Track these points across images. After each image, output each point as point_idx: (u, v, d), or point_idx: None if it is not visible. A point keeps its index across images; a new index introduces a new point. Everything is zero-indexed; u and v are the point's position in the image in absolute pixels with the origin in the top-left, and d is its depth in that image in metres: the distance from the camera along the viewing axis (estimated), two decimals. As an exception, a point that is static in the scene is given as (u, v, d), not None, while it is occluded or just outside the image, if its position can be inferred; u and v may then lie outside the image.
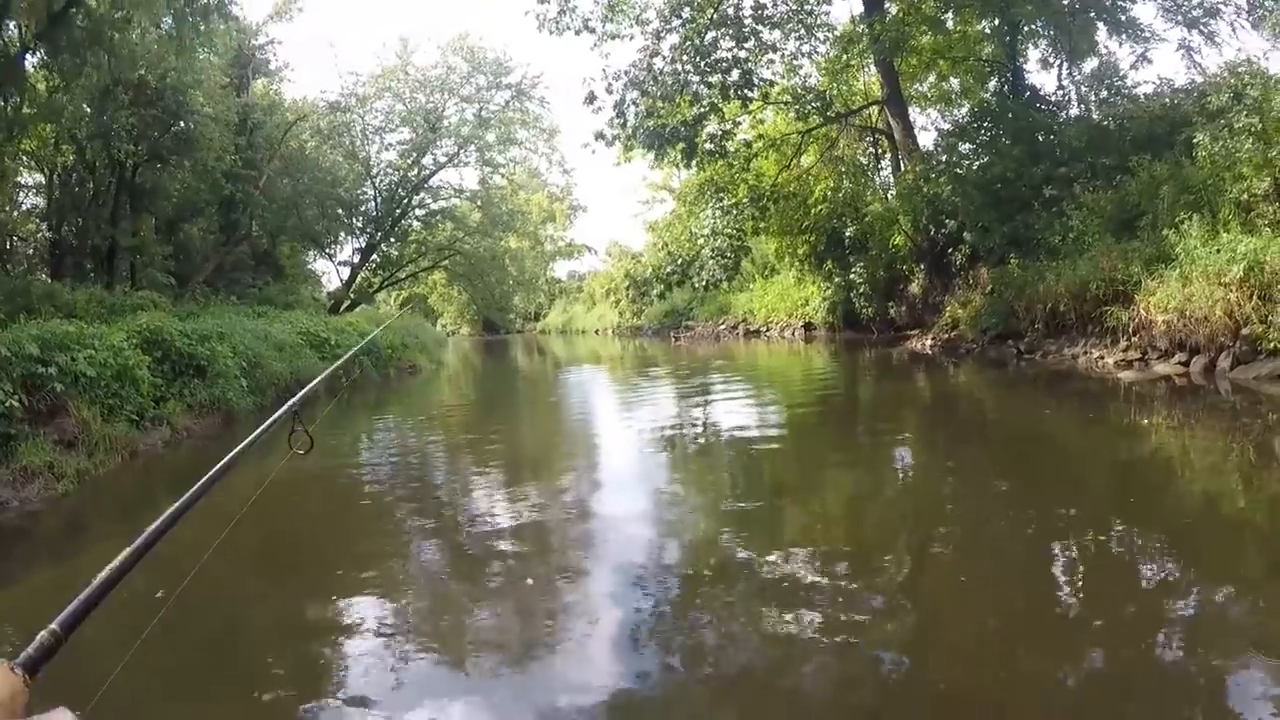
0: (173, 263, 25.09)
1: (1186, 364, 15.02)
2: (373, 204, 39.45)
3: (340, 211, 37.40)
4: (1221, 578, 5.73)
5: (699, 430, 13.28)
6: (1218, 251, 14.77)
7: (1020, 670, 4.52)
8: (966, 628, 5.11)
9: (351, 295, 39.76)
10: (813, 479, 9.60)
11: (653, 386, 21.08)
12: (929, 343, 24.23)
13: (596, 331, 67.11)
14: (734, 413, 15.16)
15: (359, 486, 9.86)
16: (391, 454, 12.51)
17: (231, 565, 6.18)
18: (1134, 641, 4.78)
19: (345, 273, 41.03)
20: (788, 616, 5.14)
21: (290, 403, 3.01)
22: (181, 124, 22.56)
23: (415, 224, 42.72)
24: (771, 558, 6.26)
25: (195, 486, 2.06)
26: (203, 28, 18.77)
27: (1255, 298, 13.85)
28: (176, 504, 1.95)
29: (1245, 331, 13.89)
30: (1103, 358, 17.00)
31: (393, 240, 41.27)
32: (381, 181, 39.78)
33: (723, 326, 43.72)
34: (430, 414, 17.81)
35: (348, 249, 41.51)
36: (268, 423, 2.84)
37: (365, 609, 5.56)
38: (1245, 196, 15.87)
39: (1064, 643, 4.71)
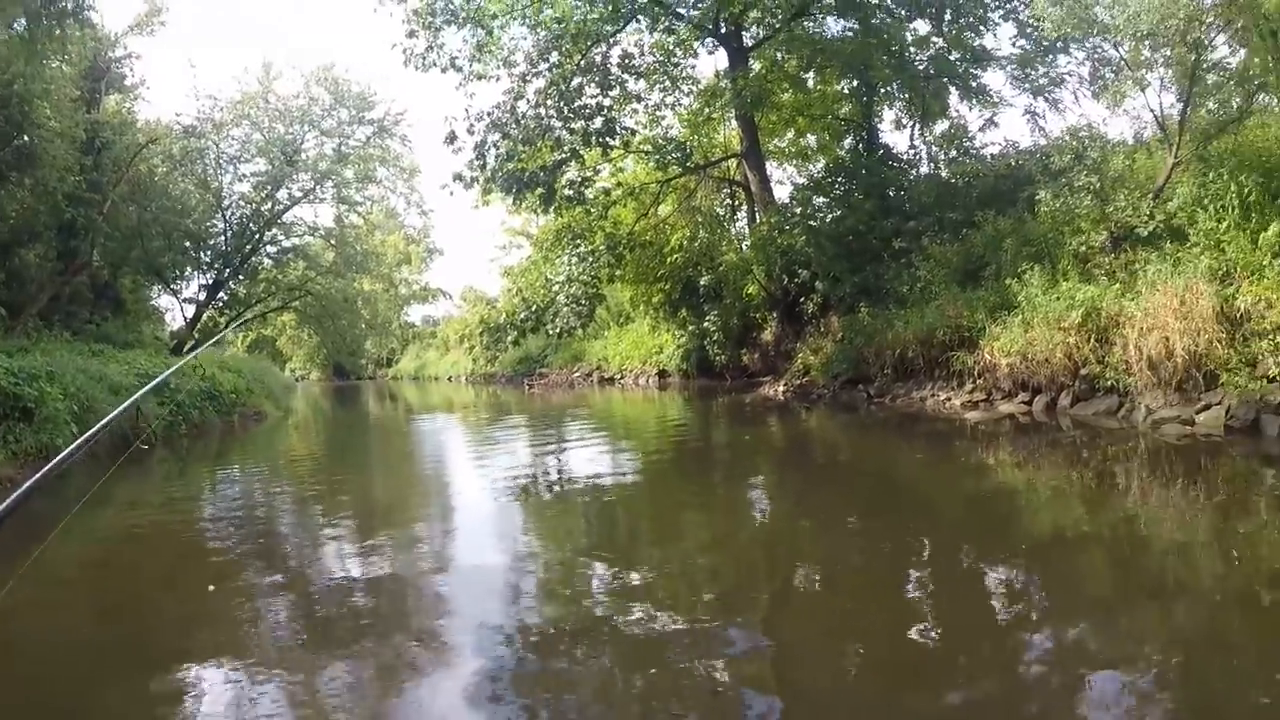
0: (4, 291, 22.99)
1: (1029, 403, 15.73)
2: (222, 238, 37.50)
3: (188, 244, 35.26)
4: (1069, 599, 6.02)
5: (554, 479, 13.04)
6: (1058, 299, 15.54)
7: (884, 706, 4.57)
8: (829, 667, 5.15)
9: (196, 335, 37.40)
10: (670, 525, 9.50)
11: (507, 435, 20.76)
12: (781, 389, 24.63)
13: (450, 378, 66.18)
14: (590, 460, 15.01)
15: (200, 542, 9.13)
16: (235, 507, 11.64)
17: (58, 629, 5.77)
18: (990, 664, 5.01)
19: (190, 310, 38.64)
20: (650, 668, 5.07)
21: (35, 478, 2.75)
22: (25, 138, 20.80)
23: (266, 261, 40.60)
24: (631, 606, 6.16)
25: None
26: (58, 32, 17.56)
27: (1093, 340, 14.69)
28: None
29: (1084, 371, 14.70)
30: (950, 399, 17.55)
31: (241, 278, 39.23)
32: (233, 214, 37.84)
33: (577, 374, 43.60)
34: (277, 464, 16.95)
35: (194, 285, 39.18)
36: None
37: (201, 676, 5.12)
38: (1083, 249, 16.74)
39: (925, 675, 4.84)
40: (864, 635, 5.58)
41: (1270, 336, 11.99)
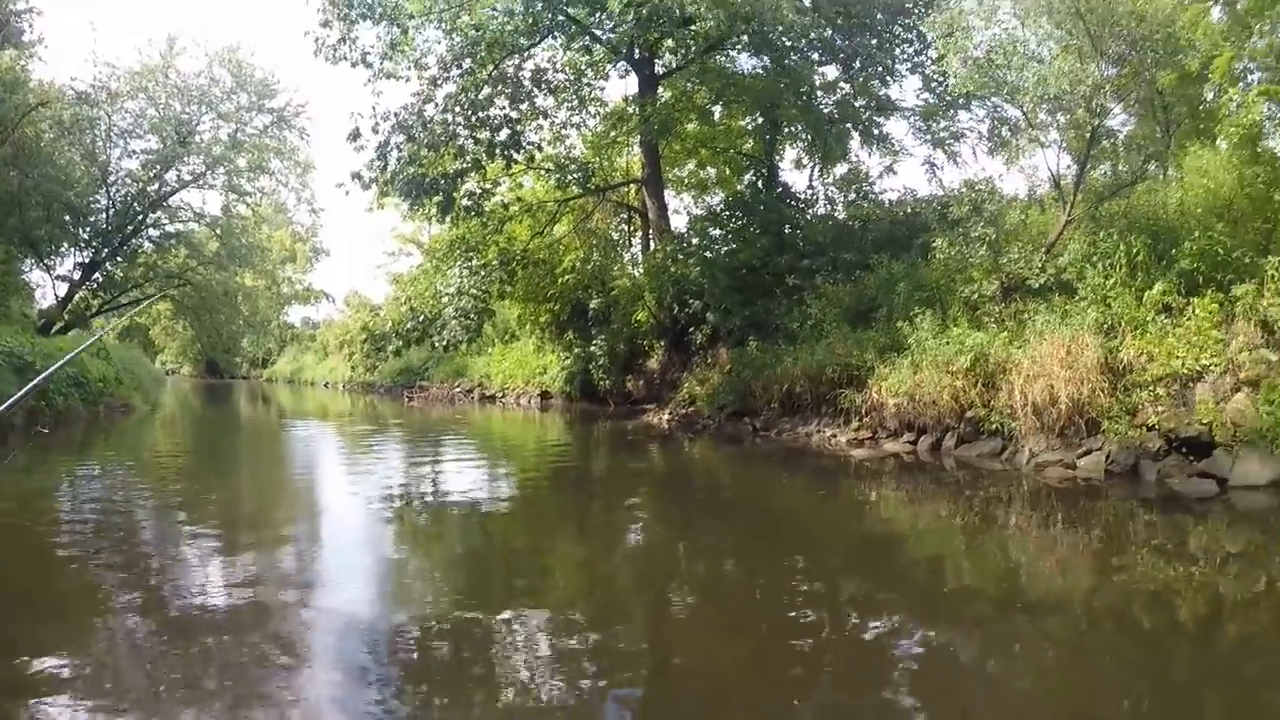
0: None
1: (915, 443, 15.97)
2: (104, 215, 35.65)
3: (67, 218, 33.36)
4: (946, 625, 6.37)
5: (431, 497, 12.77)
6: (947, 343, 15.87)
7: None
8: (705, 690, 5.24)
9: (66, 316, 35.58)
10: (547, 549, 9.41)
11: (384, 447, 20.25)
12: (666, 417, 24.56)
13: (326, 384, 64.28)
14: (467, 480, 14.82)
15: (49, 548, 8.55)
16: (94, 508, 11.07)
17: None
18: (864, 685, 5.28)
19: (63, 289, 36.58)
20: (523, 696, 5.05)
21: None
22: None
23: (147, 245, 38.79)
24: (507, 633, 6.10)
25: None
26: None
27: (980, 385, 15.03)
28: None
29: (969, 414, 15.01)
30: (835, 436, 17.70)
31: (120, 260, 37.42)
32: (118, 192, 35.87)
33: (458, 389, 42.83)
34: (144, 462, 16.18)
35: (69, 262, 36.93)
36: None
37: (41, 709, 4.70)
38: (975, 296, 17.09)
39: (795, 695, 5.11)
40: (736, 663, 5.68)
41: (1150, 388, 12.53)
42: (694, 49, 25.60)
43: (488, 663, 5.50)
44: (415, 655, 5.72)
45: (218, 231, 40.35)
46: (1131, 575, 7.99)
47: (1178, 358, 12.43)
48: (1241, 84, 16.58)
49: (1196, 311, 12.81)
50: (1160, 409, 12.18)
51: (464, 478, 15.06)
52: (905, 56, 26.68)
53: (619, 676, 5.32)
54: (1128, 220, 15.63)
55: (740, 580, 7.88)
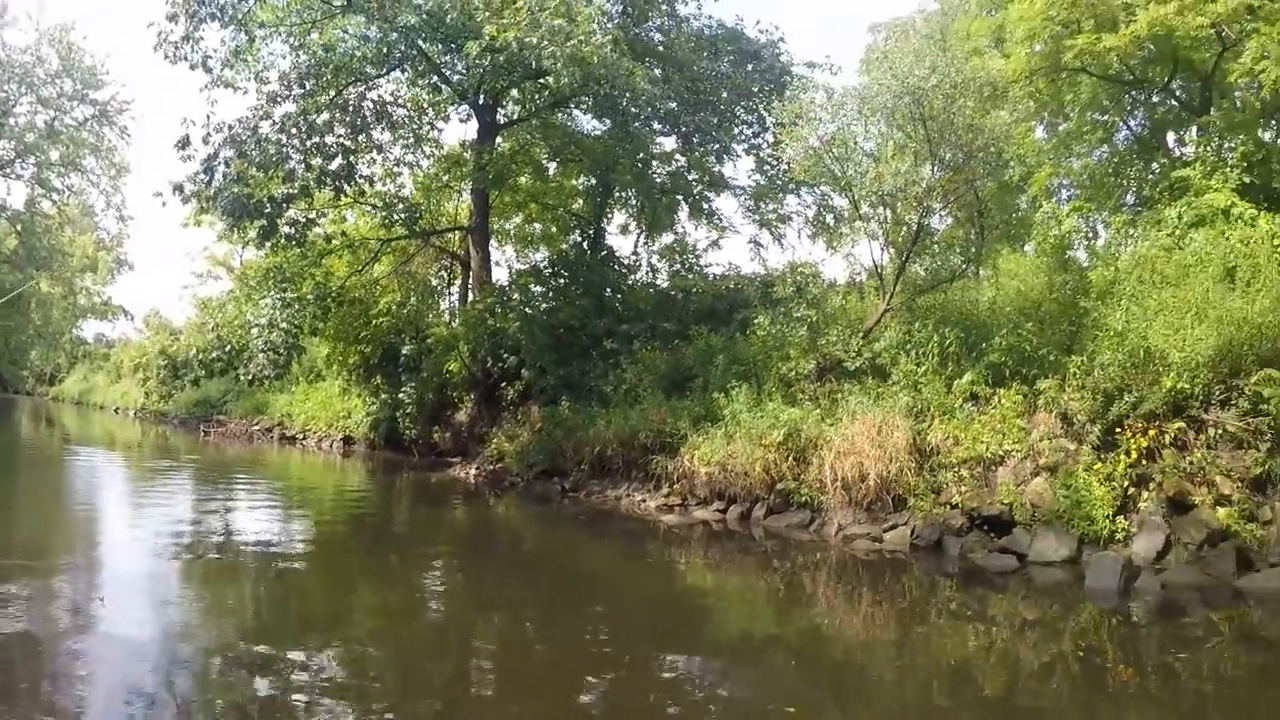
0: None
1: (724, 511, 16.04)
2: None
3: None
4: (747, 686, 6.76)
5: (221, 541, 12.49)
6: (762, 417, 16.12)
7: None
8: None
9: None
10: (340, 604, 9.30)
11: (176, 485, 19.24)
12: (473, 472, 24.02)
13: (117, 409, 59.90)
14: (261, 525, 14.51)
15: None
16: None
17: None
18: None
19: None
20: None
21: None
22: None
23: None
24: (295, 693, 5.83)
25: None
26: None
27: (791, 458, 15.32)
28: None
29: (780, 486, 15.26)
30: (645, 501, 17.64)
31: None
32: None
33: (257, 427, 40.88)
34: None
35: None
36: None
37: None
38: (791, 374, 17.46)
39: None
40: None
41: (955, 469, 13.13)
42: (540, 102, 25.63)
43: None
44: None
45: (18, 228, 37.43)
46: (936, 640, 8.30)
47: (982, 442, 13.05)
48: (1056, 198, 17.73)
49: (1002, 401, 13.49)
50: (964, 489, 12.74)
51: (259, 522, 14.72)
52: (744, 137, 27.36)
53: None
54: (942, 313, 16.40)
55: (537, 637, 8.00)
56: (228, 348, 29.18)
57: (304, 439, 36.75)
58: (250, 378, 29.33)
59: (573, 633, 8.01)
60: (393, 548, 13.76)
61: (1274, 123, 17.90)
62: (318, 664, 6.44)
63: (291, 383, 39.33)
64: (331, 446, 34.15)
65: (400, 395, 29.96)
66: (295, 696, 5.67)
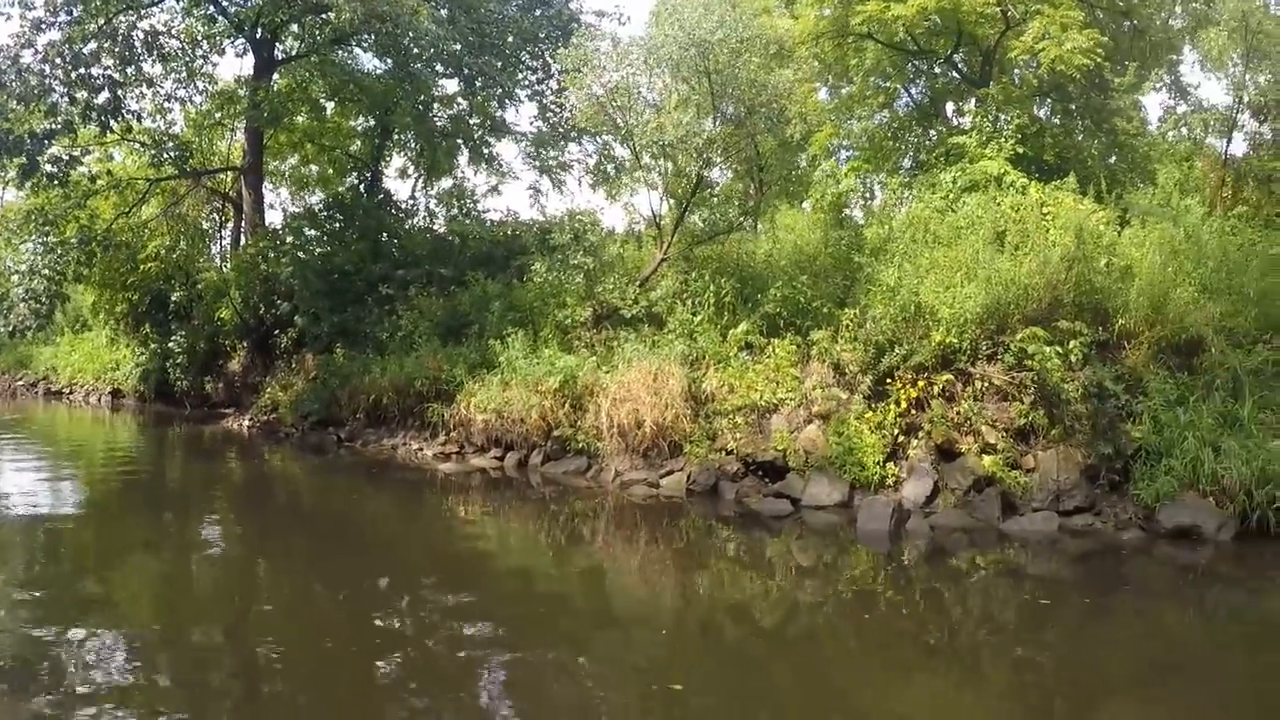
0: None
1: (501, 459, 15.97)
2: None
3: None
4: (532, 633, 6.88)
5: None
6: (538, 364, 16.06)
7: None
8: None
9: None
10: (112, 563, 9.19)
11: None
12: (246, 423, 23.08)
13: None
14: (28, 487, 13.81)
15: None
16: None
17: None
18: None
19: None
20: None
21: None
22: None
23: None
24: (71, 655, 5.80)
25: None
26: None
27: (567, 405, 15.32)
28: None
29: (556, 433, 15.24)
30: (422, 449, 17.39)
31: None
32: None
33: (20, 382, 38.15)
34: None
35: None
36: None
37: None
38: (568, 321, 17.43)
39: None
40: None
41: (730, 416, 13.30)
42: (320, 39, 24.49)
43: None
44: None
45: None
46: (713, 581, 8.51)
47: (757, 390, 13.31)
48: (835, 158, 18.24)
49: (776, 351, 13.83)
50: (739, 435, 12.95)
51: (25, 484, 14.01)
52: (528, 83, 26.91)
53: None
54: (719, 264, 16.64)
55: (321, 593, 7.95)
56: (-14, 297, 26.94)
57: (71, 393, 34.71)
58: (11, 329, 27.28)
59: (353, 586, 8.00)
60: (167, 506, 13.35)
61: (1049, 99, 18.88)
62: (95, 631, 6.22)
63: (56, 334, 36.90)
64: (100, 400, 32.29)
65: (170, 345, 28.38)
66: (71, 668, 5.39)
